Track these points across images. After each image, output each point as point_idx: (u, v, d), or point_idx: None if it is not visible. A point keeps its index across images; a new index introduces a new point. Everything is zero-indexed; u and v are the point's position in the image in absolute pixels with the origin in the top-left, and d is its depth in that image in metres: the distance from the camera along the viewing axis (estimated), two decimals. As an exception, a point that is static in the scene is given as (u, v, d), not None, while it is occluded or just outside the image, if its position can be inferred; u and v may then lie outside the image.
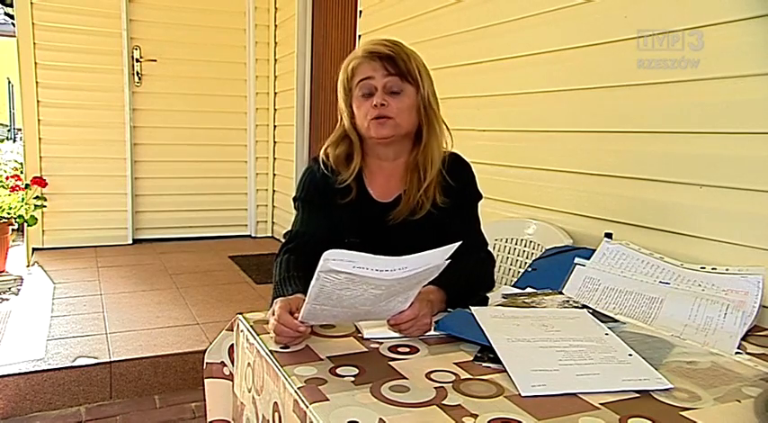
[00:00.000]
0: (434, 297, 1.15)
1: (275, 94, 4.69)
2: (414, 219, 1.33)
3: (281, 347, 1.03)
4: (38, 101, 4.04)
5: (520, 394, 0.87)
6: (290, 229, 1.39)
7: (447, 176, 1.36)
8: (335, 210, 1.35)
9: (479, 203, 1.43)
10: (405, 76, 1.30)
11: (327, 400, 0.84)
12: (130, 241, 4.38)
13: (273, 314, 1.05)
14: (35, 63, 3.99)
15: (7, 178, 4.13)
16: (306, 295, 0.98)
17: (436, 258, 0.98)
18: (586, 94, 1.85)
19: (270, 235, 4.85)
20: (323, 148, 1.40)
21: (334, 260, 0.90)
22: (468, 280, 1.29)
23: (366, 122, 1.32)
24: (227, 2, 4.53)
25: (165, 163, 4.49)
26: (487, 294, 1.35)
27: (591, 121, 1.84)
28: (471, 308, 1.19)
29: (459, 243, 1.00)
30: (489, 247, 1.44)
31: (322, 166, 1.37)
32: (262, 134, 4.75)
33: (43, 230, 4.14)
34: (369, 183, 1.38)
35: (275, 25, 4.60)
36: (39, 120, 4.05)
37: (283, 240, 1.38)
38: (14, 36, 4.08)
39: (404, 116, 1.32)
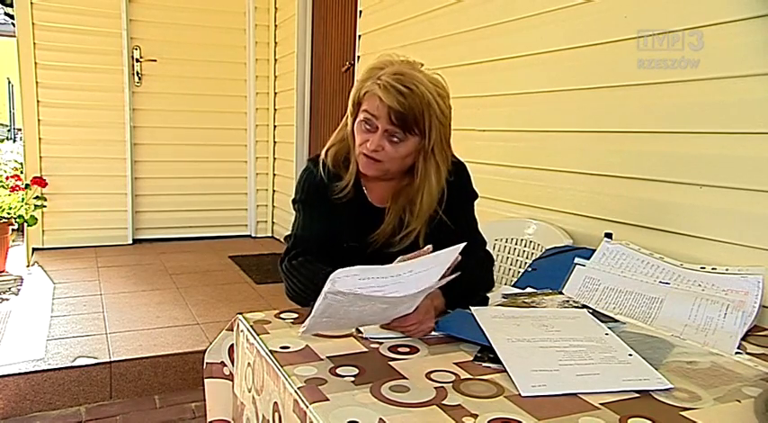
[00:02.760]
0: (437, 300, 1.15)
1: (275, 94, 4.69)
2: (395, 250, 1.29)
3: (280, 347, 1.03)
4: (38, 101, 4.03)
5: (520, 394, 0.87)
6: (290, 232, 1.38)
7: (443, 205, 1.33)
8: (334, 211, 1.34)
9: (476, 203, 1.43)
10: (409, 130, 1.23)
11: (327, 400, 0.84)
12: (130, 241, 4.38)
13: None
14: (35, 63, 3.99)
15: (7, 178, 4.13)
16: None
17: (441, 261, 0.98)
18: (586, 94, 1.85)
19: (270, 235, 4.85)
20: (325, 148, 1.38)
21: (340, 279, 0.90)
22: (469, 281, 1.28)
23: (358, 152, 1.29)
24: (227, 2, 4.53)
25: (165, 163, 4.49)
26: (487, 294, 1.35)
27: (591, 121, 1.84)
28: (471, 308, 1.19)
29: (464, 244, 1.00)
30: (489, 247, 1.44)
31: (321, 168, 1.36)
32: (262, 134, 4.75)
33: (43, 230, 4.14)
34: (366, 187, 1.38)
35: (275, 25, 4.60)
36: (39, 120, 4.05)
37: (285, 243, 1.37)
38: (14, 36, 4.07)
39: (395, 163, 1.27)
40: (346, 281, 0.91)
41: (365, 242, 1.33)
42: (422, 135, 1.25)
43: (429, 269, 0.98)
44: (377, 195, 1.37)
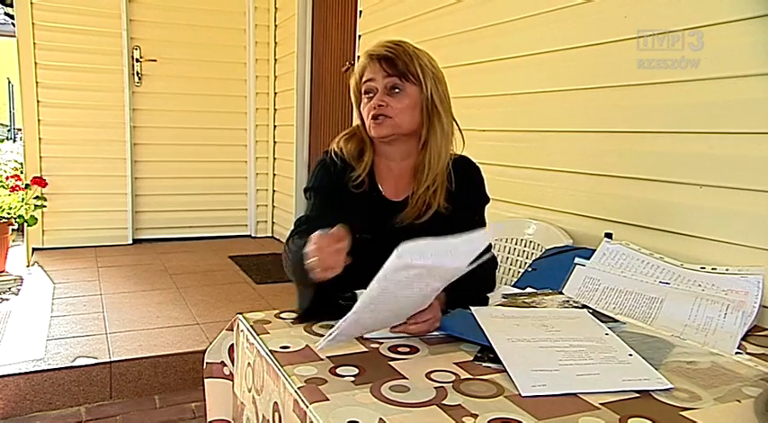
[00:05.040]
0: (442, 299, 1.15)
1: (275, 94, 4.69)
2: (421, 221, 1.32)
3: (280, 347, 1.03)
4: (38, 101, 4.04)
5: (520, 394, 0.87)
6: (301, 215, 1.36)
7: (454, 180, 1.35)
8: (347, 203, 1.34)
9: (487, 207, 1.43)
10: (404, 76, 1.30)
11: (327, 400, 0.84)
12: (130, 241, 4.38)
13: (313, 243, 1.03)
14: (35, 63, 3.99)
15: (7, 178, 4.13)
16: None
17: (479, 240, 1.00)
18: (586, 94, 1.85)
19: (270, 235, 4.85)
20: (336, 141, 1.40)
21: (410, 251, 0.87)
22: (472, 282, 1.29)
23: (367, 122, 1.33)
24: (227, 2, 4.53)
25: (165, 163, 4.49)
26: (488, 294, 1.35)
27: (591, 121, 1.84)
28: (471, 308, 1.19)
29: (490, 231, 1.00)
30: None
31: (335, 158, 1.36)
32: (262, 134, 4.75)
33: (43, 230, 4.14)
34: (380, 180, 1.38)
35: (275, 25, 4.60)
36: (39, 120, 4.05)
37: (293, 227, 1.35)
38: (14, 36, 4.07)
39: (404, 116, 1.31)
40: (416, 251, 0.88)
41: (380, 234, 1.32)
42: (418, 83, 1.31)
43: (464, 251, 0.97)
44: (392, 188, 1.38)
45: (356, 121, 1.41)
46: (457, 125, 1.38)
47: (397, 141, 1.35)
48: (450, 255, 0.94)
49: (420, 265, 0.89)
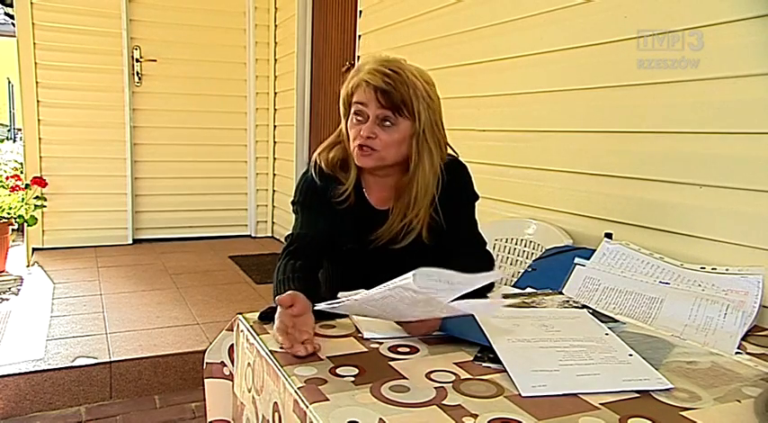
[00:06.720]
0: None
1: (275, 94, 4.69)
2: (398, 247, 1.32)
3: (280, 347, 1.03)
4: (38, 101, 4.04)
5: (520, 394, 0.87)
6: (290, 232, 1.38)
7: (439, 193, 1.33)
8: (334, 214, 1.34)
9: (477, 204, 1.43)
10: (399, 111, 1.24)
11: (327, 400, 0.84)
12: (130, 241, 4.38)
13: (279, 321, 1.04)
14: (35, 63, 3.99)
15: (7, 178, 4.13)
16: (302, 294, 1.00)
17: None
18: (586, 94, 1.85)
19: (270, 235, 4.85)
20: (317, 152, 1.38)
21: (422, 276, 0.90)
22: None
23: (353, 147, 1.30)
24: (227, 2, 4.53)
25: (165, 163, 4.49)
26: (487, 295, 1.35)
27: (591, 121, 1.84)
28: (471, 308, 1.19)
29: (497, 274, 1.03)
30: (489, 247, 1.44)
31: (318, 170, 1.35)
32: (262, 134, 4.75)
33: (43, 230, 4.14)
34: (367, 189, 1.38)
35: (275, 25, 4.60)
36: (39, 120, 4.05)
37: (285, 243, 1.37)
38: (14, 36, 4.08)
39: (390, 150, 1.28)
40: (427, 282, 0.92)
41: (366, 243, 1.33)
42: (412, 117, 1.26)
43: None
44: (377, 198, 1.37)
45: (342, 128, 1.37)
46: (449, 146, 1.36)
47: (382, 170, 1.34)
48: (460, 295, 0.97)
49: (425, 293, 0.91)
